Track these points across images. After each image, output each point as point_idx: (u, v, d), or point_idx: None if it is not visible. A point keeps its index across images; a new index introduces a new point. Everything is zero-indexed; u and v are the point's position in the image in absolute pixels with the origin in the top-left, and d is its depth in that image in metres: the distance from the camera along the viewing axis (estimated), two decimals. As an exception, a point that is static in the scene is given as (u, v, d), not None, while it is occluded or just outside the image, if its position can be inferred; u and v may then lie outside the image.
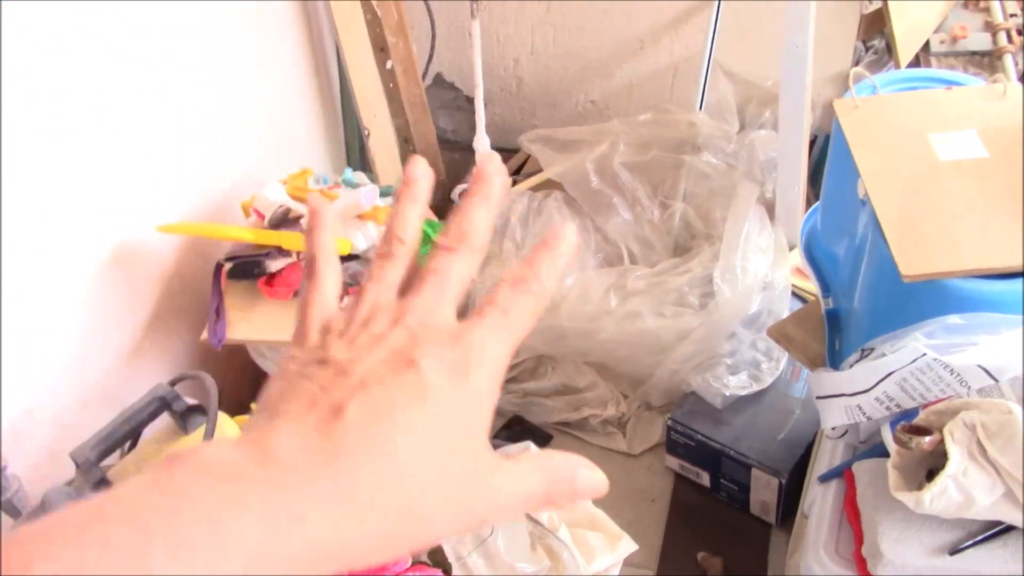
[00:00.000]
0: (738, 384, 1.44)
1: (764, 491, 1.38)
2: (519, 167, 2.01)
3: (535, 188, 1.76)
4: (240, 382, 1.49)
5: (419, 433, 0.29)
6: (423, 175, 0.39)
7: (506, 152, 2.07)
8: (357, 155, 1.89)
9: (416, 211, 0.39)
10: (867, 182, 1.00)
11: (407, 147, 1.94)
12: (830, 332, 1.19)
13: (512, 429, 1.59)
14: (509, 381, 1.62)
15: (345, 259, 1.29)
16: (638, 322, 1.50)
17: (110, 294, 1.26)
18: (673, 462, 1.49)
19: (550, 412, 1.59)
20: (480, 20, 1.74)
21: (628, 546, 1.09)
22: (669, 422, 1.44)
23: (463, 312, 0.34)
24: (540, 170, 1.78)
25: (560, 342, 1.56)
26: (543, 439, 1.58)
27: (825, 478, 1.09)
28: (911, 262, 0.92)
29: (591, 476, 0.35)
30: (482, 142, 1.82)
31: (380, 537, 0.28)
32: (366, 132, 1.78)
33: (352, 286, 1.29)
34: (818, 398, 1.05)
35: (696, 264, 1.57)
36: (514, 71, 2.05)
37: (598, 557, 1.05)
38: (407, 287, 0.35)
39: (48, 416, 1.17)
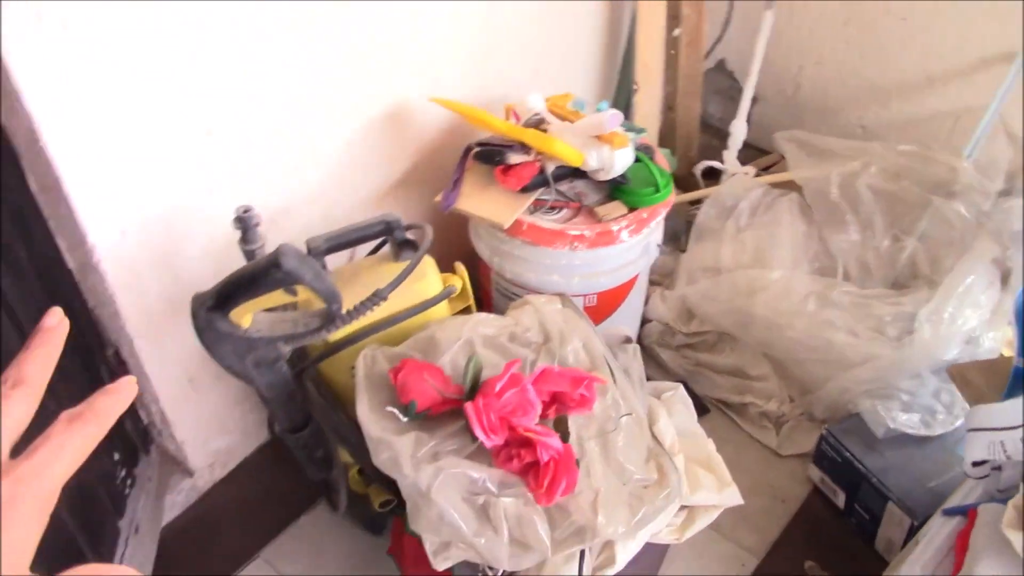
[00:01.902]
0: (906, 422, 1.42)
1: (894, 528, 1.36)
2: (767, 167, 2.04)
3: (774, 184, 1.79)
4: (451, 251, 1.66)
5: None
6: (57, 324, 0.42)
7: (759, 151, 2.11)
8: (622, 106, 2.00)
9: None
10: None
11: (671, 115, 2.03)
12: (1010, 388, 1.16)
13: (673, 391, 1.65)
14: (685, 347, 1.68)
15: (576, 173, 1.40)
16: (828, 332, 1.51)
17: (377, 142, 1.46)
18: (815, 474, 1.49)
19: (715, 387, 1.63)
20: (776, 21, 1.79)
21: (733, 496, 1.13)
22: (824, 431, 1.45)
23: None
24: (785, 169, 1.81)
25: (746, 327, 1.59)
26: (701, 410, 1.63)
27: (950, 512, 1.08)
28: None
29: None
30: (739, 127, 1.88)
31: None
32: (635, 87, 1.88)
33: (570, 201, 1.41)
34: (968, 430, 1.04)
35: (908, 301, 1.55)
36: (795, 76, 2.07)
37: (701, 492, 1.11)
38: None
39: (300, 219, 1.38)
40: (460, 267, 1.29)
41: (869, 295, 1.57)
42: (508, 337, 1.15)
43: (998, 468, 1.04)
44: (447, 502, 0.97)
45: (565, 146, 1.32)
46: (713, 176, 2.01)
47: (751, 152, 2.14)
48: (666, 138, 2.05)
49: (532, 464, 1.00)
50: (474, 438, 1.03)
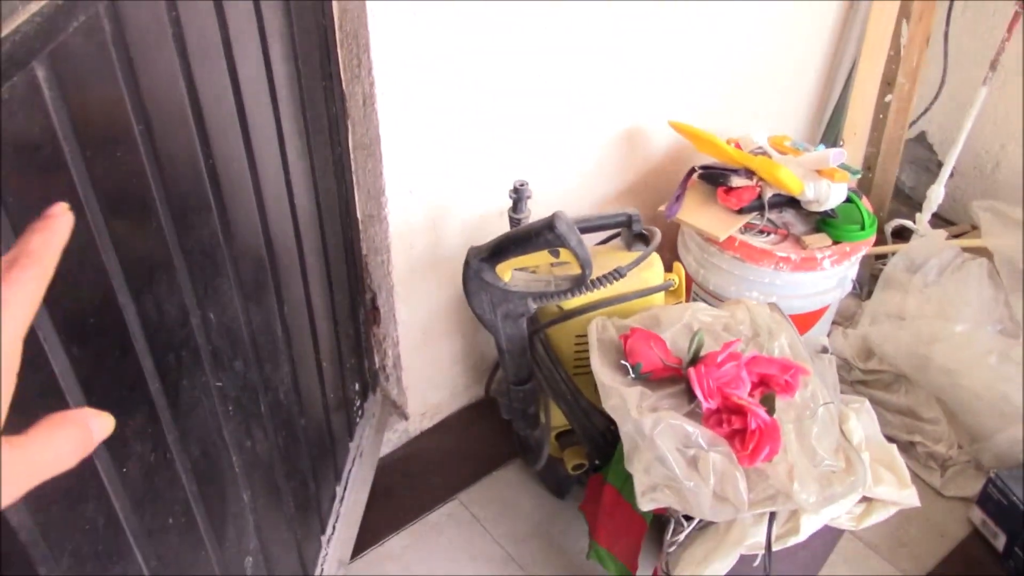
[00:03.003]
0: (1076, 478, 1.48)
1: (1053, 576, 1.43)
2: (956, 236, 2.13)
3: (965, 249, 1.88)
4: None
5: None
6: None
7: (947, 222, 2.20)
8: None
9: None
10: None
11: (868, 175, 2.15)
12: None
13: (843, 422, 1.75)
14: (860, 383, 1.79)
15: (787, 203, 1.56)
16: (1005, 386, 1.59)
17: (616, 154, 1.66)
18: (977, 516, 1.57)
19: (885, 424, 1.72)
20: (989, 96, 1.89)
21: (911, 497, 1.24)
22: (992, 474, 1.53)
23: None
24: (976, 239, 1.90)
25: (924, 371, 1.69)
26: (866, 445, 1.73)
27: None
28: None
29: (102, 422, 0.37)
30: (937, 192, 1.98)
31: None
32: (841, 143, 2.02)
33: (777, 228, 1.56)
34: None
35: (1091, 370, 1.61)
36: (996, 154, 2.16)
37: (883, 487, 1.23)
38: None
39: (542, 207, 1.58)
40: (679, 266, 1.46)
41: (1051, 360, 1.64)
42: (723, 327, 1.31)
43: None
44: (664, 447, 1.13)
45: (790, 173, 1.48)
46: (902, 237, 2.11)
47: (939, 222, 2.24)
48: (860, 195, 2.17)
49: (738, 431, 1.15)
50: (690, 400, 1.19)
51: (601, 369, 1.23)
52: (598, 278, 1.26)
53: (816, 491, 1.13)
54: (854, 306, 1.92)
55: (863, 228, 1.54)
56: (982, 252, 1.86)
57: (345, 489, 1.51)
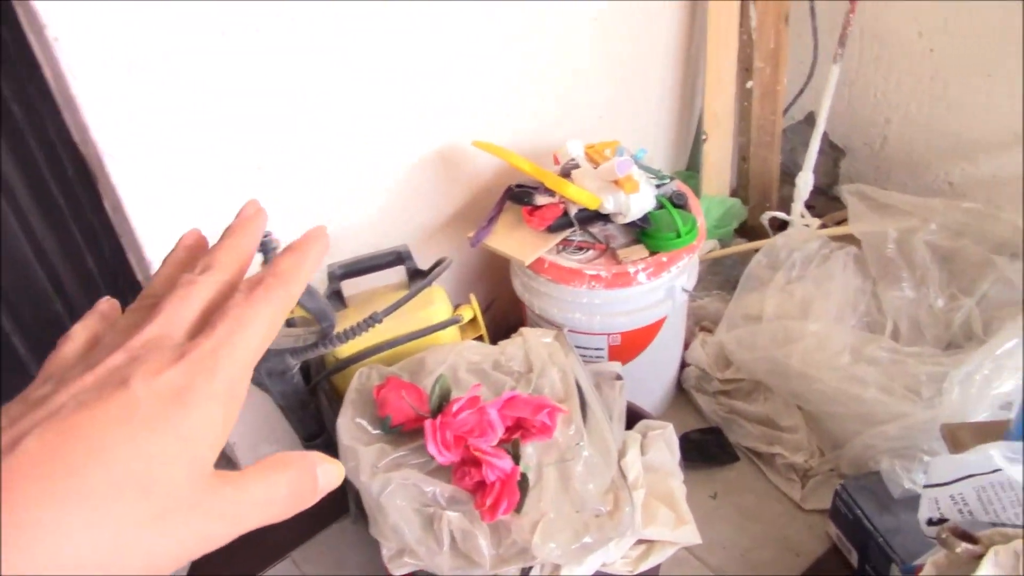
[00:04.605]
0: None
1: (900, 594, 1.32)
2: (843, 221, 2.01)
3: (835, 238, 1.77)
4: (502, 307, 1.75)
5: (121, 457, 0.27)
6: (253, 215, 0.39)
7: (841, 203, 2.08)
8: (698, 155, 2.03)
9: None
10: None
11: (744, 165, 2.05)
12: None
13: (706, 436, 1.66)
14: (721, 393, 1.69)
15: (597, 216, 1.47)
16: (858, 388, 1.48)
17: (424, 180, 1.58)
18: (833, 530, 1.46)
19: (746, 436, 1.63)
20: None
21: (689, 534, 1.15)
22: (839, 486, 1.42)
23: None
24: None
25: (780, 377, 1.59)
26: (732, 458, 1.63)
27: (906, 569, 1.06)
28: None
29: (330, 469, 0.34)
30: (805, 179, 1.87)
31: None
32: (704, 136, 1.92)
33: (598, 242, 1.47)
34: (924, 486, 1.02)
35: (950, 361, 1.50)
36: (882, 129, 2.03)
37: (655, 527, 1.14)
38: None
39: (349, 248, 1.51)
40: (473, 299, 1.38)
41: (909, 353, 1.53)
42: (492, 365, 1.23)
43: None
44: (397, 510, 1.06)
45: (578, 189, 1.39)
46: (786, 227, 2.00)
47: (837, 205, 2.12)
48: (740, 188, 2.07)
49: (482, 483, 1.07)
50: (437, 454, 1.11)
51: (343, 427, 1.16)
52: (348, 329, 1.19)
53: (564, 543, 1.05)
54: (724, 310, 1.81)
55: (679, 236, 1.44)
56: (853, 240, 1.75)
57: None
